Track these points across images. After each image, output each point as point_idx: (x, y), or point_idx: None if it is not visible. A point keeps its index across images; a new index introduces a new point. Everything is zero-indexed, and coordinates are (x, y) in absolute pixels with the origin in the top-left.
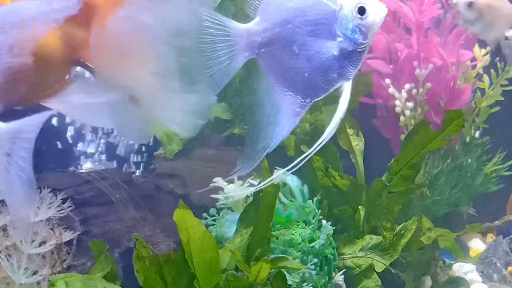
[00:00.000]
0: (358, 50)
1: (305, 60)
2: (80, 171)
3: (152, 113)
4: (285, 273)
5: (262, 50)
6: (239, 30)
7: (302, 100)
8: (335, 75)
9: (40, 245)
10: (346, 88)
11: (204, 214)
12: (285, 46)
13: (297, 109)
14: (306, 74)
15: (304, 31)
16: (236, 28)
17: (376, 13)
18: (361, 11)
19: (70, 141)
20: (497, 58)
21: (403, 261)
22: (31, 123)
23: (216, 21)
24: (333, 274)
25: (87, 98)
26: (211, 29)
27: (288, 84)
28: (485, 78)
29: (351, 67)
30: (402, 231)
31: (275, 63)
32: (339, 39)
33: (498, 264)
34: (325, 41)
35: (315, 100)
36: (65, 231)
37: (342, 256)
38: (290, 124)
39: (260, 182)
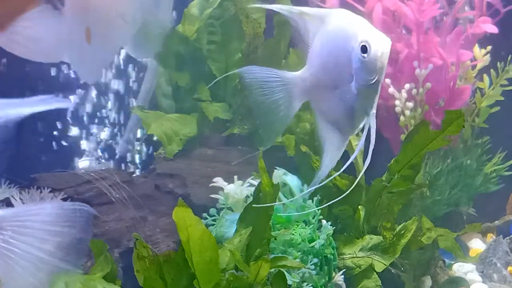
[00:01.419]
0: (370, 84)
1: (338, 100)
2: (80, 171)
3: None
4: (285, 273)
5: (312, 93)
6: (294, 79)
7: (344, 137)
8: (358, 112)
9: None
10: (368, 122)
11: (204, 214)
12: (325, 89)
13: (341, 144)
14: (341, 113)
15: (336, 73)
16: (291, 77)
17: (379, 49)
18: (363, 49)
19: (70, 141)
20: None
21: (403, 261)
22: (32, 211)
23: (274, 75)
24: (333, 274)
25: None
26: (270, 81)
27: (332, 122)
28: (485, 78)
29: (367, 102)
30: (402, 231)
31: (321, 104)
32: (354, 77)
33: (498, 264)
34: (347, 81)
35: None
36: None
37: (342, 256)
38: (334, 157)
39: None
